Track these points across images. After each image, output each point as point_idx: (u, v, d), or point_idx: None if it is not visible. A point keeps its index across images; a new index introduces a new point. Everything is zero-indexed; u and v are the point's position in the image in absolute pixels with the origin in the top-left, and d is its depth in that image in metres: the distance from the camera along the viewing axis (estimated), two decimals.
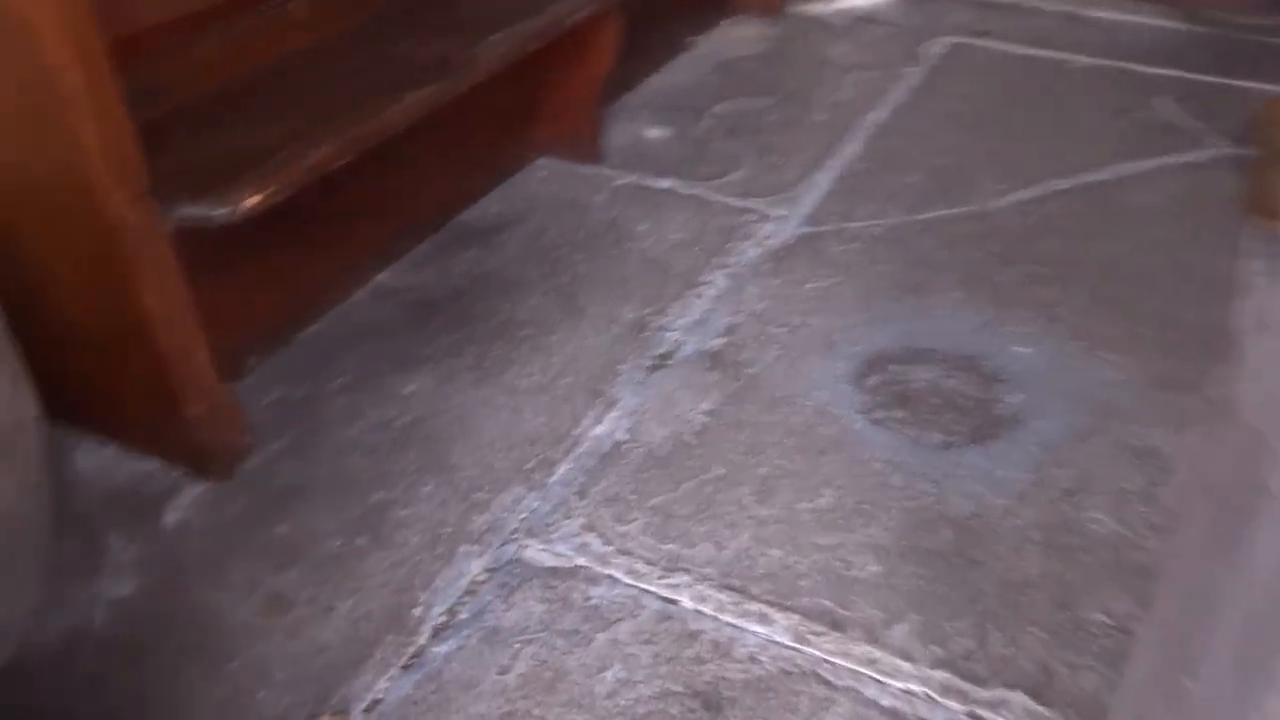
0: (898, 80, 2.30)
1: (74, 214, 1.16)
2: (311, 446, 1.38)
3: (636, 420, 1.41)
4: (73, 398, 1.37)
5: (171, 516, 1.27)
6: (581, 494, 1.30)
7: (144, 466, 1.34)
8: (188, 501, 1.29)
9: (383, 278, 1.71)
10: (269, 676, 1.09)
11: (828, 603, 1.16)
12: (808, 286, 1.66)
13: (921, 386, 1.46)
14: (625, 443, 1.38)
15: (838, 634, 1.12)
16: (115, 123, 1.09)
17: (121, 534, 1.25)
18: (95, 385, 1.34)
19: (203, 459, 1.31)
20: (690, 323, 1.60)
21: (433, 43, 1.58)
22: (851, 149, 2.05)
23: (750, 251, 1.76)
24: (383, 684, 1.09)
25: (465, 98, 1.54)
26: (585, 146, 2.01)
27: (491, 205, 1.90)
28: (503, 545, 1.24)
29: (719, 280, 1.69)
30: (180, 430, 1.29)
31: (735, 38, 2.54)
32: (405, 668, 1.11)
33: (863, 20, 2.62)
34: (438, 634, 1.14)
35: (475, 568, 1.21)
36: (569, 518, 1.27)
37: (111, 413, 1.36)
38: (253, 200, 1.18)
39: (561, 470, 1.34)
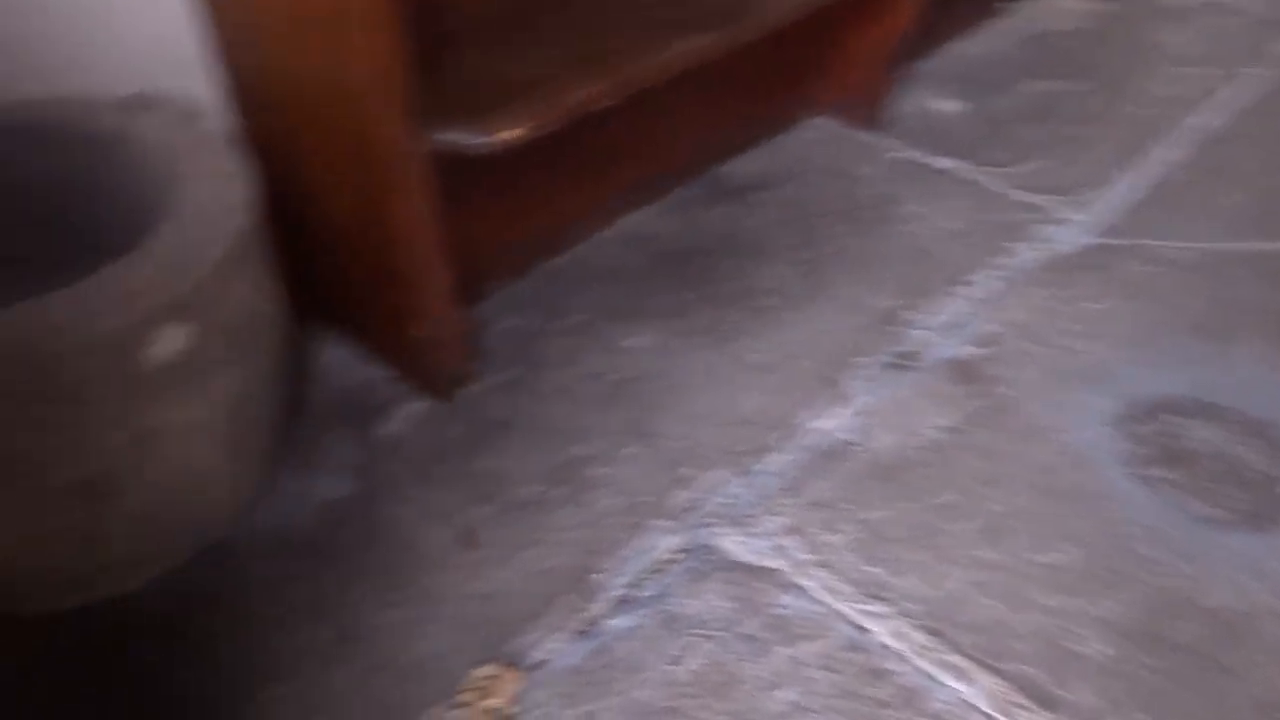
0: (1237, 80, 2.00)
1: (342, 123, 1.17)
2: (527, 384, 1.36)
3: (866, 422, 1.31)
4: (328, 298, 1.42)
5: (389, 428, 1.30)
6: (791, 491, 1.22)
7: (377, 373, 1.37)
8: (405, 415, 1.31)
9: (630, 220, 1.67)
10: (440, 611, 1.10)
11: (1041, 675, 1.03)
12: (1086, 306, 1.48)
13: (1200, 447, 1.27)
14: (849, 444, 1.28)
15: (1046, 714, 1.00)
16: (389, 38, 1.07)
17: (343, 435, 1.28)
18: (347, 290, 1.38)
19: (427, 377, 1.33)
20: (944, 324, 1.46)
21: None
22: (1167, 153, 1.80)
23: (1027, 254, 1.58)
24: (551, 645, 1.07)
25: (745, 45, 1.45)
26: (866, 111, 1.88)
27: (754, 161, 1.81)
28: (698, 528, 1.18)
29: (985, 281, 1.53)
30: (411, 345, 1.31)
31: (1056, 9, 2.30)
32: (579, 634, 1.08)
33: (1209, 4, 2.30)
34: (616, 607, 1.10)
35: (666, 545, 1.16)
36: (773, 514, 1.20)
37: (357, 318, 1.40)
38: (512, 133, 1.15)
39: (774, 460, 1.26)
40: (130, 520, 1.00)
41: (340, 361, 1.39)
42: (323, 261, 1.38)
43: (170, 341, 0.95)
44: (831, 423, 1.31)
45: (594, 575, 1.13)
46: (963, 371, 1.38)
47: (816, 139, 1.87)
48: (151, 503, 1.01)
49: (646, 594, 1.11)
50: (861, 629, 1.07)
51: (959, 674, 1.03)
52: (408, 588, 1.12)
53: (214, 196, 1.06)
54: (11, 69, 1.26)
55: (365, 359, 1.40)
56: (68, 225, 1.24)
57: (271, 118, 1.32)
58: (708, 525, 1.18)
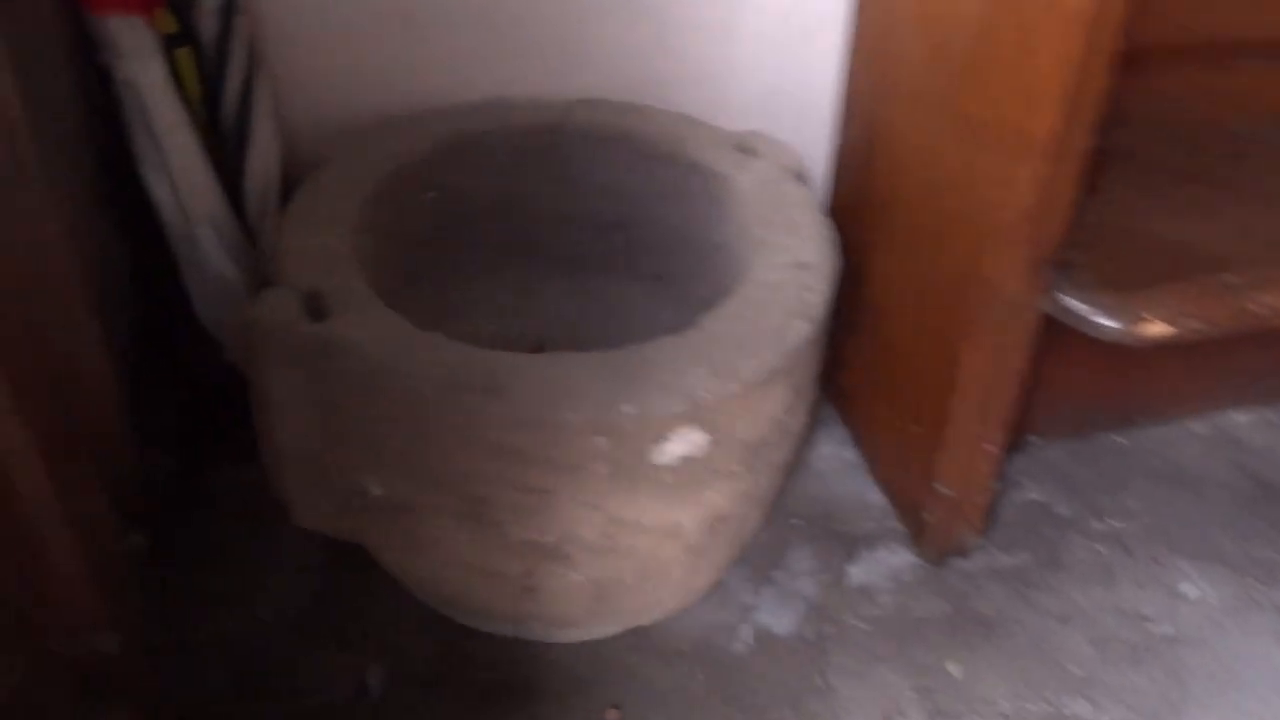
0: None
1: (946, 239, 0.99)
2: (1033, 586, 1.11)
3: None
4: (846, 387, 1.27)
5: (860, 572, 1.12)
6: None
7: (871, 494, 1.20)
8: (883, 565, 1.13)
9: (1228, 419, 1.32)
10: None
11: None
12: None
13: None
14: None
15: None
16: (1065, 174, 0.86)
17: (809, 560, 1.13)
18: (871, 395, 1.21)
19: (923, 530, 1.13)
20: None
21: None
22: None
23: None
24: None
25: None
26: None
27: None
28: None
29: None
30: (920, 489, 1.11)
31: None
32: None
33: None
34: None
35: None
36: None
37: (871, 429, 1.23)
38: (1159, 330, 0.89)
39: None
40: (571, 586, 0.93)
41: (835, 462, 1.24)
42: (853, 349, 1.22)
43: (682, 447, 0.84)
44: None
45: None
46: None
47: None
48: (597, 579, 0.93)
49: None
50: None
51: None
52: None
53: (791, 281, 0.93)
54: (638, 77, 1.22)
55: (862, 469, 1.23)
56: (632, 235, 1.19)
57: (860, 194, 1.17)
58: None
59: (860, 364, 1.22)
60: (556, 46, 1.19)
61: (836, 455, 1.24)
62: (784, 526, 1.16)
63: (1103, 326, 0.89)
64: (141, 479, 0.89)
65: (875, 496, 1.20)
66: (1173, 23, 1.09)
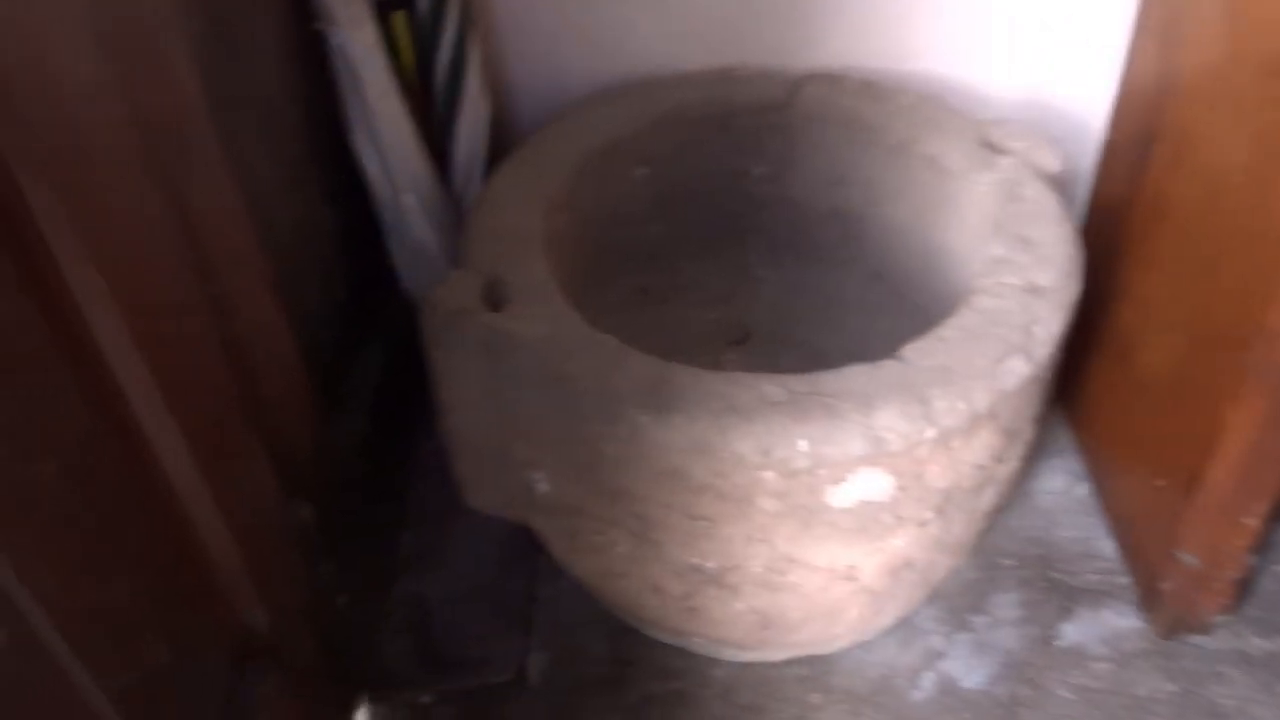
0: None
1: (1223, 275, 0.82)
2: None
3: None
4: (1087, 422, 1.12)
5: (1075, 630, 0.99)
6: None
7: (1102, 541, 1.05)
8: (1104, 628, 0.98)
9: None
10: None
11: None
12: None
13: None
14: None
15: None
16: None
17: (1018, 607, 1.00)
18: (1112, 436, 1.06)
19: (1158, 600, 0.97)
20: None
21: None
22: None
23: None
24: None
25: None
26: None
27: None
28: None
29: None
30: (1160, 555, 0.96)
31: None
32: None
33: None
34: None
35: None
36: None
37: (1114, 473, 1.08)
38: None
39: None
40: (734, 613, 0.87)
41: (1063, 499, 1.09)
42: (1098, 375, 1.07)
43: (862, 491, 0.75)
44: None
45: None
46: None
47: None
48: (762, 609, 0.86)
49: None
50: None
51: None
52: None
53: (1018, 309, 0.80)
54: (886, 47, 1.10)
55: (1095, 511, 1.08)
56: (852, 228, 1.09)
57: (1127, 200, 1.00)
58: None
59: (1105, 394, 1.07)
60: (797, 8, 1.09)
61: (1067, 491, 1.10)
62: (993, 566, 1.04)
63: None
64: (323, 450, 0.91)
65: (1106, 545, 1.05)
66: None
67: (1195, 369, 0.88)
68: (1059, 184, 0.95)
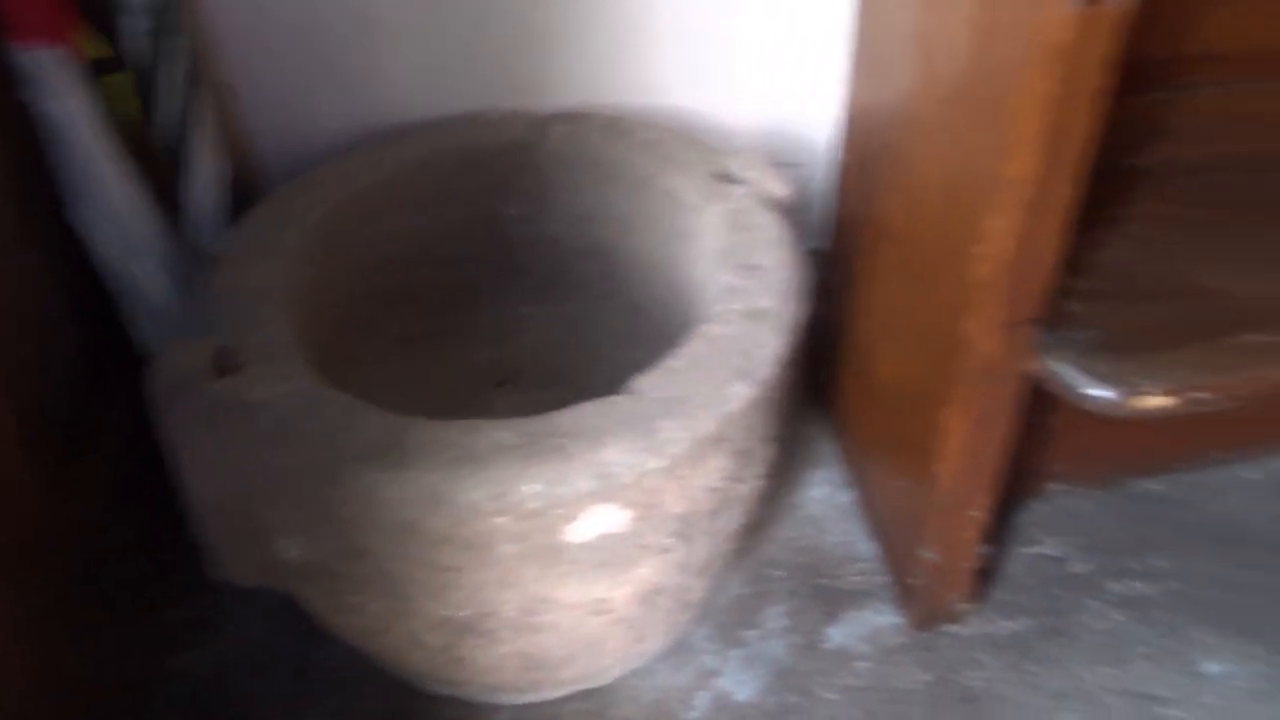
0: None
1: (932, 291, 0.88)
2: (1032, 657, 1.01)
3: None
4: (840, 422, 1.18)
5: (841, 634, 1.03)
6: None
7: (861, 544, 1.11)
8: (866, 628, 1.04)
9: None
10: None
11: None
12: None
13: None
14: None
15: None
16: (1039, 230, 0.75)
17: (785, 619, 1.04)
18: (858, 435, 1.12)
19: (911, 594, 1.03)
20: None
21: None
22: None
23: None
24: None
25: None
26: None
27: None
28: None
29: None
30: (907, 550, 1.02)
31: None
32: None
33: None
34: None
35: None
36: None
37: (861, 471, 1.13)
38: (1158, 403, 0.77)
39: None
40: (498, 658, 0.87)
41: (827, 506, 1.14)
42: (849, 386, 1.13)
43: (599, 526, 0.77)
44: None
45: None
46: None
47: None
48: (524, 651, 0.86)
49: None
50: None
51: None
52: None
53: (740, 334, 0.84)
54: (631, 84, 1.13)
55: (857, 515, 1.13)
56: (605, 263, 1.11)
57: (858, 221, 1.06)
58: None
59: (856, 403, 1.13)
60: (544, 50, 1.11)
61: (830, 499, 1.15)
62: (763, 579, 1.08)
63: (1092, 397, 0.78)
64: (56, 533, 0.87)
65: (867, 547, 1.10)
66: (1214, 31, 0.94)
67: (918, 376, 0.94)
68: (791, 209, 0.99)
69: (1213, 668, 1.00)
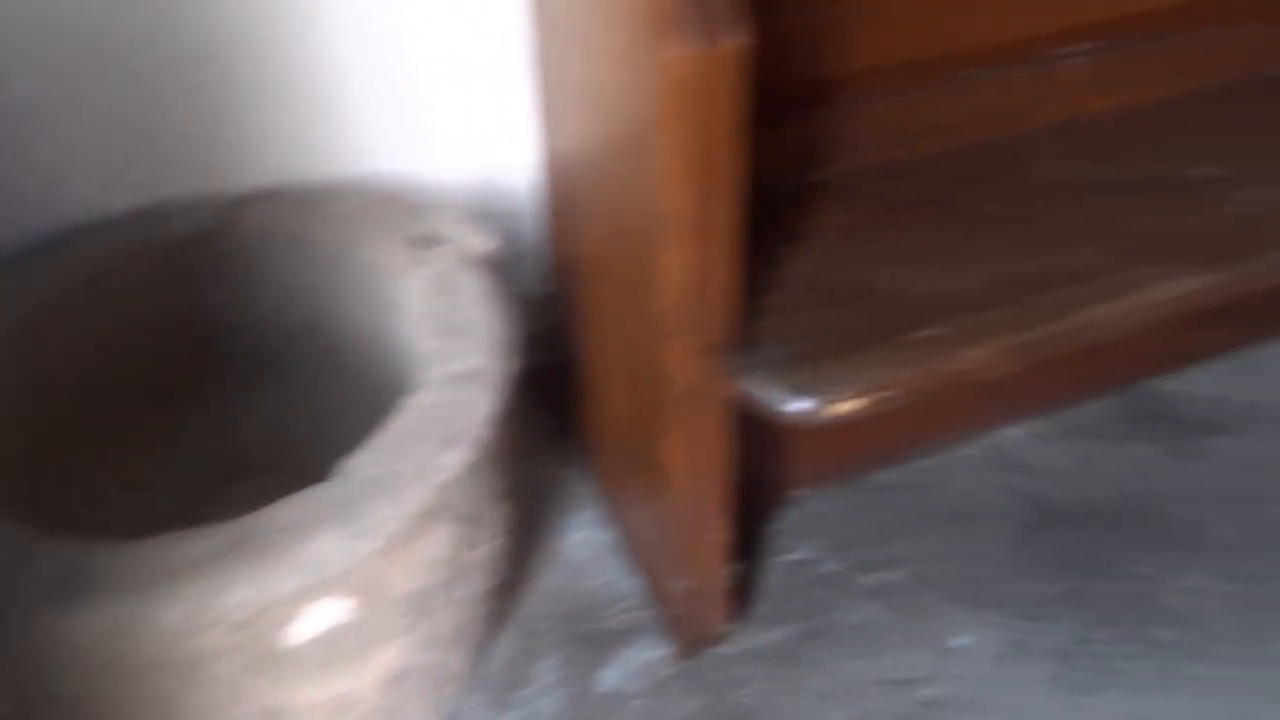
0: None
1: (639, 325, 0.89)
2: (798, 664, 1.04)
3: None
4: (593, 458, 1.18)
5: (611, 675, 1.03)
6: None
7: (621, 582, 1.11)
8: (636, 664, 1.04)
9: (1005, 438, 1.26)
10: None
11: None
12: None
13: None
14: None
15: None
16: (711, 257, 0.77)
17: (554, 670, 1.03)
18: (608, 471, 1.13)
19: (674, 623, 1.04)
20: None
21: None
22: None
23: None
24: None
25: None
26: None
27: (1208, 381, 1.33)
28: None
29: None
30: (662, 581, 1.03)
31: None
32: None
33: None
34: None
35: None
36: None
37: (616, 505, 1.14)
38: (848, 407, 0.81)
39: None
40: None
41: (586, 549, 1.14)
42: (593, 427, 1.13)
43: (321, 621, 0.74)
44: None
45: None
46: None
47: None
48: None
49: None
50: None
51: None
52: None
53: (447, 400, 0.83)
54: (327, 153, 1.11)
55: (617, 553, 1.14)
56: (321, 340, 1.08)
57: (571, 264, 1.08)
58: None
59: (601, 441, 1.14)
60: (230, 131, 1.07)
61: (591, 540, 1.15)
62: (531, 635, 1.06)
63: (788, 412, 0.81)
64: None
65: (630, 584, 1.11)
66: (875, 46, 1.01)
67: (641, 407, 0.95)
68: (500, 260, 0.99)
69: (960, 640, 1.06)
